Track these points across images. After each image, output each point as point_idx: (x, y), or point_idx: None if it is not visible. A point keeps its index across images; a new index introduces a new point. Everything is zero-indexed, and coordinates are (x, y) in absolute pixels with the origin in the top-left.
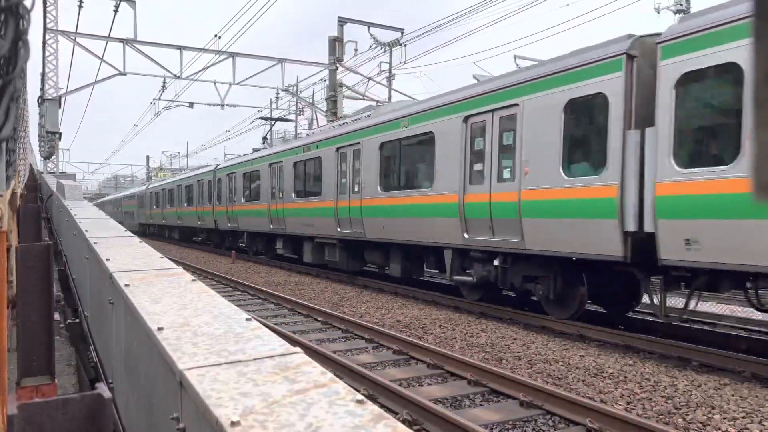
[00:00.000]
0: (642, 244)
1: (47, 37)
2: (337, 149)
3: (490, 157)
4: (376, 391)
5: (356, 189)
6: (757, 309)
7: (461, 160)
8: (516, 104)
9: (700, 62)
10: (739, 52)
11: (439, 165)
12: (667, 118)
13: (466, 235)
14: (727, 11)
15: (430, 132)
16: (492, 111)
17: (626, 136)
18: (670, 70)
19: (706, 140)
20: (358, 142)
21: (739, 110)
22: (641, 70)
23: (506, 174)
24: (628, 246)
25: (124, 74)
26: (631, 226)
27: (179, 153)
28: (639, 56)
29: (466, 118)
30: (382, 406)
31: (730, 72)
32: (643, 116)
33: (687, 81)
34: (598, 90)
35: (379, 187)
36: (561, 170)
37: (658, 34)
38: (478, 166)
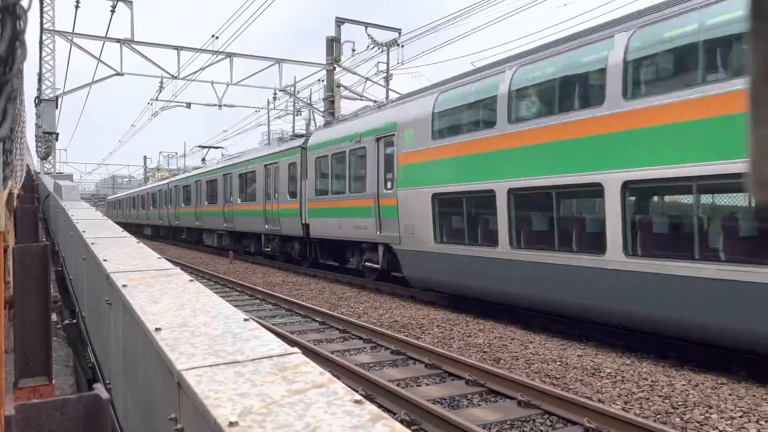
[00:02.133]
0: None
1: (44, 37)
2: None
3: None
4: (374, 391)
5: None
6: None
7: None
8: None
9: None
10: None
11: None
12: None
13: None
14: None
15: None
16: None
17: None
18: None
19: None
20: None
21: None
22: None
23: None
24: None
25: (122, 74)
26: None
27: (176, 153)
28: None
29: None
30: (380, 406)
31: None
32: None
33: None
34: None
35: None
36: None
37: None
38: None
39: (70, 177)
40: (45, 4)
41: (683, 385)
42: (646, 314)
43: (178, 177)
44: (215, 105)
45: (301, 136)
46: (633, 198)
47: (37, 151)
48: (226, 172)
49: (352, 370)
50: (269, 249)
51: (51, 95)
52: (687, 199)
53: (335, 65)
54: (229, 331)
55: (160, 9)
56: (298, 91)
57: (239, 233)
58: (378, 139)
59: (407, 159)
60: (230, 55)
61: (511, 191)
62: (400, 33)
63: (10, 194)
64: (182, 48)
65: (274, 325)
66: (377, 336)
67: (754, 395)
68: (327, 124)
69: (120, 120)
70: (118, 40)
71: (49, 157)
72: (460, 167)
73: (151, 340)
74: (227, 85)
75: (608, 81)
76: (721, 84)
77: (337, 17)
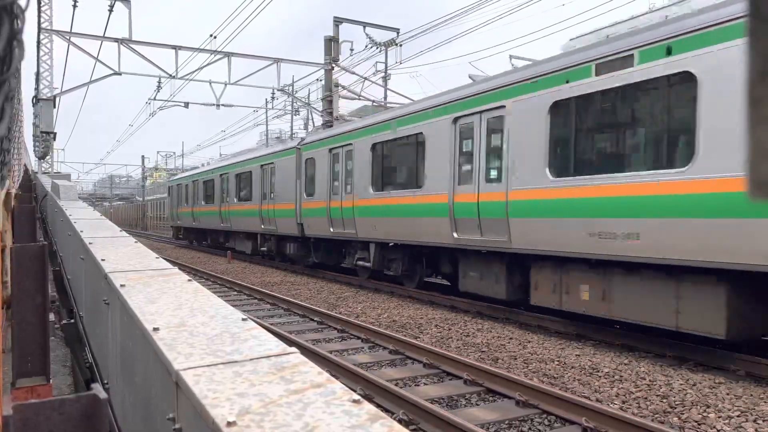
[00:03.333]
0: None
1: (42, 36)
2: None
3: None
4: (372, 391)
5: None
6: None
7: None
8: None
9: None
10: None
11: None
12: None
13: None
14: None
15: None
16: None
17: None
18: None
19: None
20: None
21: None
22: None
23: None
24: None
25: (119, 74)
26: None
27: (174, 153)
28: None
29: None
30: (378, 405)
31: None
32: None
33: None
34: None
35: None
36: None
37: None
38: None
39: (67, 176)
40: (43, 4)
41: (681, 384)
42: None
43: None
44: (213, 105)
45: None
46: None
47: (34, 150)
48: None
49: (350, 370)
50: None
51: (49, 95)
52: None
53: (333, 65)
54: (227, 330)
55: (159, 9)
56: (296, 91)
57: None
58: None
59: None
60: (228, 54)
61: None
62: (398, 33)
63: (8, 194)
64: (180, 47)
65: (272, 324)
66: (375, 336)
67: (751, 395)
68: None
69: (118, 120)
70: (116, 40)
71: (47, 157)
72: None
73: (149, 339)
74: (225, 85)
75: None
76: None
77: (335, 17)
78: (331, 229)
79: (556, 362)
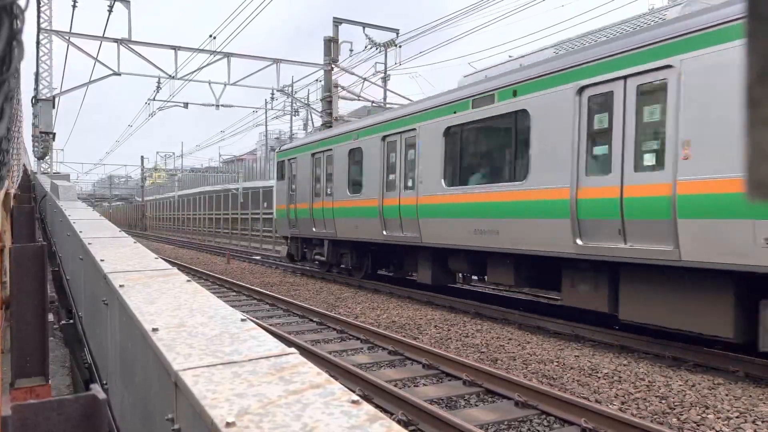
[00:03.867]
0: None
1: (41, 37)
2: None
3: None
4: (371, 392)
5: None
6: None
7: None
8: None
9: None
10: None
11: None
12: None
13: None
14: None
15: None
16: None
17: None
18: None
19: None
20: None
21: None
22: None
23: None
24: None
25: (119, 74)
26: None
27: (174, 153)
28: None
29: None
30: (377, 406)
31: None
32: None
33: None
34: None
35: None
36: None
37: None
38: None
39: (66, 177)
40: (42, 4)
41: (680, 385)
42: None
43: None
44: (213, 105)
45: None
46: None
47: (33, 150)
48: None
49: (349, 371)
50: None
51: (48, 95)
52: None
53: (333, 65)
54: (227, 331)
55: (159, 9)
56: (295, 92)
57: None
58: None
59: None
60: (228, 55)
61: None
62: (397, 33)
63: (7, 194)
64: (180, 48)
65: (271, 325)
66: (375, 336)
67: (750, 396)
68: None
69: (118, 120)
70: (115, 40)
71: (46, 157)
72: None
73: (148, 340)
74: (225, 85)
75: None
76: None
77: (334, 17)
78: None
79: (555, 363)
